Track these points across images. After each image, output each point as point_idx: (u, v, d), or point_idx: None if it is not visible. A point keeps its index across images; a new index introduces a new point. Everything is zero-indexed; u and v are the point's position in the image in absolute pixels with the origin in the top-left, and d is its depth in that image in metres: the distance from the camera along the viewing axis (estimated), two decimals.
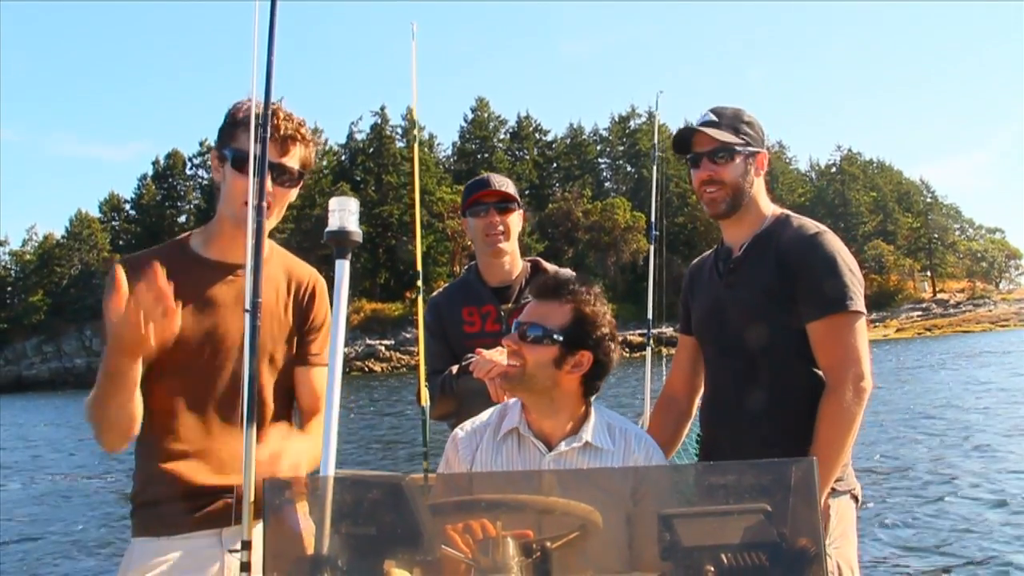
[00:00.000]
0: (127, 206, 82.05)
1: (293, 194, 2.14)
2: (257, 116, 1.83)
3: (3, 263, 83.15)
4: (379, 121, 78.42)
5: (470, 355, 2.57)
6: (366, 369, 59.53)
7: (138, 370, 1.90)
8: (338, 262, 1.60)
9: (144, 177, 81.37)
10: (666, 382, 2.75)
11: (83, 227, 77.64)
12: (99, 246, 75.61)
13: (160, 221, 75.59)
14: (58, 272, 74.57)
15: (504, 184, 2.84)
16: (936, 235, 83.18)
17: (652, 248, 4.81)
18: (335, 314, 1.59)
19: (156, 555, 1.99)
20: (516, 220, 2.86)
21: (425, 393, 2.59)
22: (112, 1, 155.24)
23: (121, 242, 77.13)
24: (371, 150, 77.02)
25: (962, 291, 78.36)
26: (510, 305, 2.80)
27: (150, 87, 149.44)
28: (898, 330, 65.87)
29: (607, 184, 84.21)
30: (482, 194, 2.82)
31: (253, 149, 1.82)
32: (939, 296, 76.43)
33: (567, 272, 2.46)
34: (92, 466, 15.95)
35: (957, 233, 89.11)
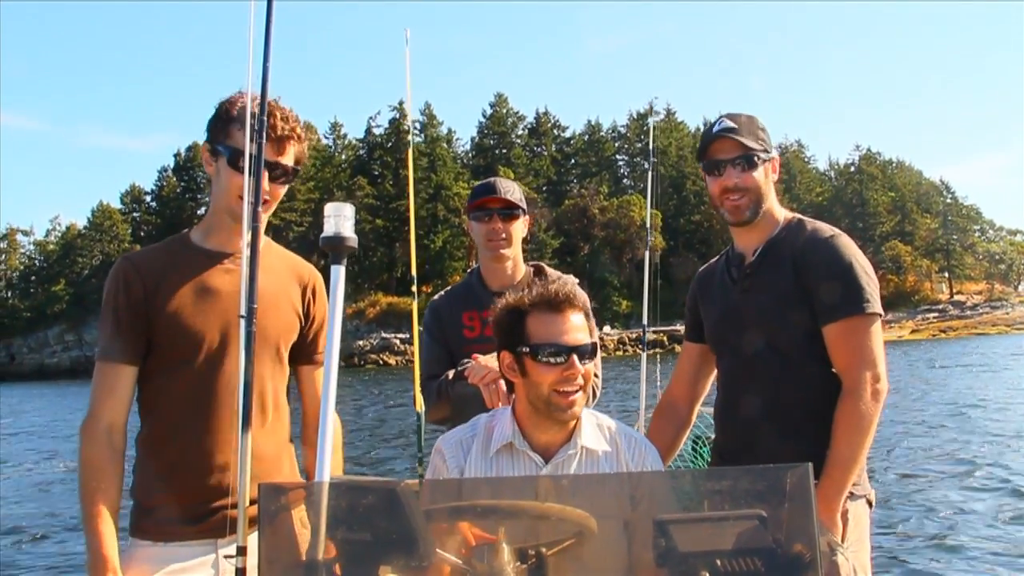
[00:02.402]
0: (148, 198, 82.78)
1: (285, 188, 2.19)
2: (253, 116, 1.84)
3: (28, 253, 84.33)
4: (397, 116, 78.55)
5: (466, 360, 2.56)
6: (381, 362, 59.81)
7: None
8: (333, 267, 1.60)
9: (165, 169, 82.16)
10: (667, 388, 2.75)
11: (105, 218, 78.60)
12: (120, 237, 76.41)
13: (180, 213, 76.16)
14: (80, 262, 75.49)
15: (510, 191, 2.81)
16: (955, 236, 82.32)
17: (648, 253, 4.80)
18: (331, 319, 1.59)
19: (154, 562, 1.99)
20: (520, 227, 2.83)
21: (420, 399, 2.58)
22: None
23: (142, 233, 77.85)
24: (389, 144, 77.22)
25: (980, 293, 77.54)
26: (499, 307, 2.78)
27: (175, 79, 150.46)
28: (913, 331, 65.39)
29: (625, 181, 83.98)
30: (487, 200, 2.80)
31: (248, 151, 1.82)
32: (956, 298, 75.68)
33: (571, 279, 2.45)
34: None
35: (977, 234, 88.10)
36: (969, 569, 6.52)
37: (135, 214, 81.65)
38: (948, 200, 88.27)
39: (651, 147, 5.35)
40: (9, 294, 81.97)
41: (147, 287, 2.05)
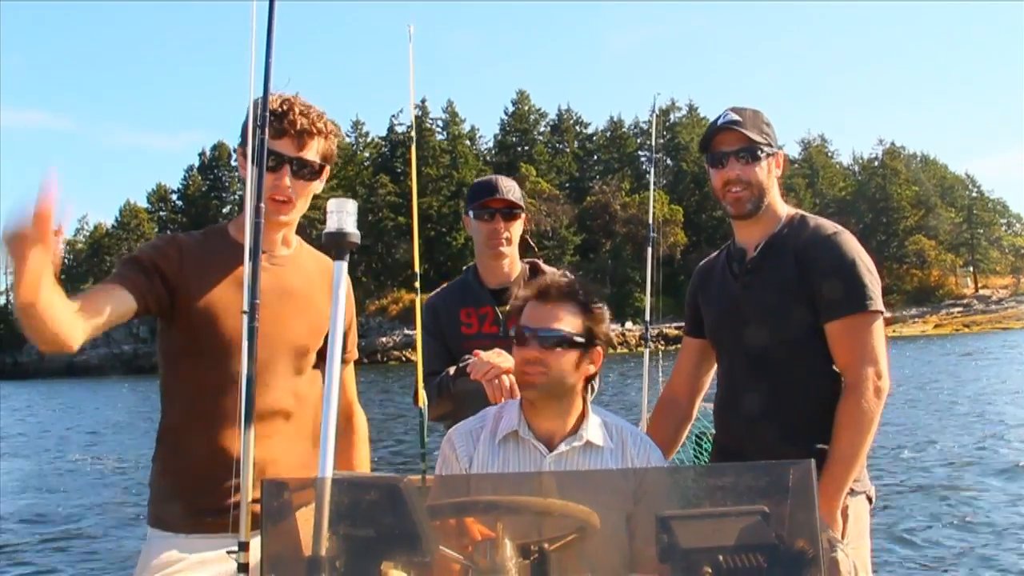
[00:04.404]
0: (174, 196, 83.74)
1: (317, 186, 2.15)
2: (256, 114, 1.84)
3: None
4: (419, 114, 78.73)
5: (467, 356, 2.58)
6: (404, 359, 60.06)
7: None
8: (336, 263, 1.61)
9: (191, 168, 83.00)
10: (668, 384, 2.76)
11: (132, 217, 79.72)
12: (147, 236, 77.24)
13: (205, 211, 76.98)
14: (108, 261, 76.39)
15: (511, 190, 2.84)
16: (980, 230, 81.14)
17: (651, 249, 4.79)
18: (333, 316, 1.59)
19: (175, 552, 2.00)
20: (519, 226, 2.87)
21: (423, 394, 2.60)
22: None
23: (169, 232, 78.58)
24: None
25: (1005, 287, 76.41)
26: (508, 307, 2.80)
27: (201, 76, 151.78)
28: (936, 326, 64.62)
29: (648, 177, 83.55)
30: (489, 200, 2.82)
31: (251, 142, 1.82)
32: (981, 292, 74.66)
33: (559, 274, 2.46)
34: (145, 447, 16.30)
35: (1003, 228, 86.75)
36: (972, 565, 6.48)
37: (161, 213, 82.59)
38: (974, 194, 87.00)
39: (653, 144, 5.35)
40: None
41: (184, 265, 2.05)
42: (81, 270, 78.72)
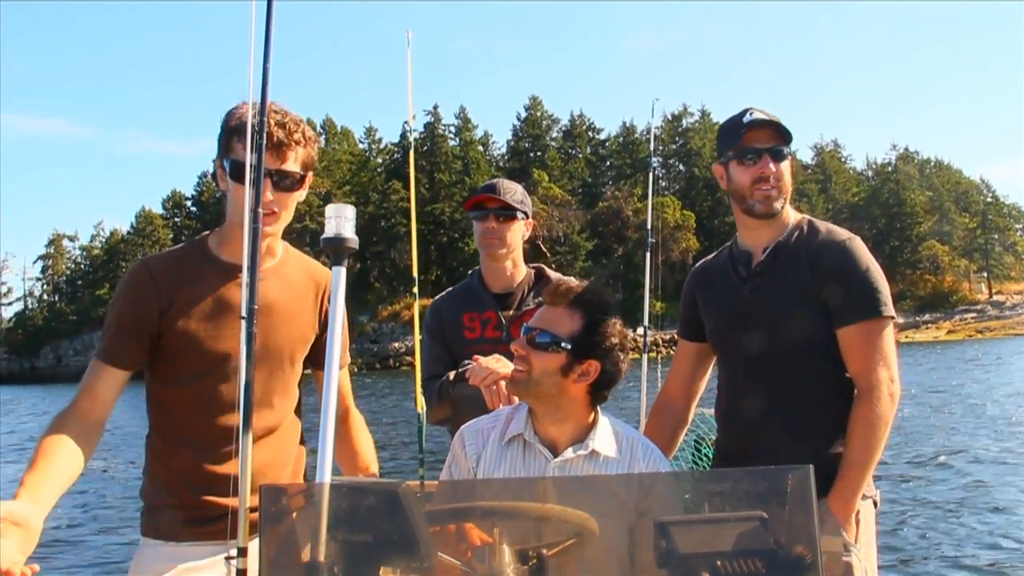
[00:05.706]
0: (189, 203, 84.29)
1: (300, 195, 2.13)
2: (253, 125, 1.81)
3: (73, 258, 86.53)
4: (432, 120, 79.00)
5: (467, 362, 2.57)
6: (414, 364, 60.07)
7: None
8: (335, 269, 1.60)
9: (205, 175, 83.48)
10: (663, 387, 2.74)
11: (147, 223, 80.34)
12: (162, 242, 77.85)
13: (219, 218, 75.03)
14: (123, 267, 76.89)
15: (509, 192, 2.81)
16: (994, 235, 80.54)
17: (648, 254, 4.79)
18: (331, 320, 1.59)
19: (166, 561, 2.01)
20: (517, 229, 2.83)
21: (422, 400, 2.60)
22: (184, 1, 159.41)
23: (183, 238, 79.33)
24: (424, 148, 77.50)
25: (1020, 293, 75.78)
26: (511, 312, 2.80)
27: (218, 82, 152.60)
28: (949, 332, 64.19)
29: (661, 182, 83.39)
30: (484, 198, 2.82)
31: (249, 159, 1.80)
32: (996, 298, 74.09)
33: (573, 280, 2.45)
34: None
35: (1019, 233, 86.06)
36: (965, 568, 6.46)
37: (176, 219, 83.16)
38: (988, 199, 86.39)
39: (651, 149, 5.37)
40: (56, 298, 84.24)
41: (162, 301, 2.03)
42: (98, 275, 79.39)
